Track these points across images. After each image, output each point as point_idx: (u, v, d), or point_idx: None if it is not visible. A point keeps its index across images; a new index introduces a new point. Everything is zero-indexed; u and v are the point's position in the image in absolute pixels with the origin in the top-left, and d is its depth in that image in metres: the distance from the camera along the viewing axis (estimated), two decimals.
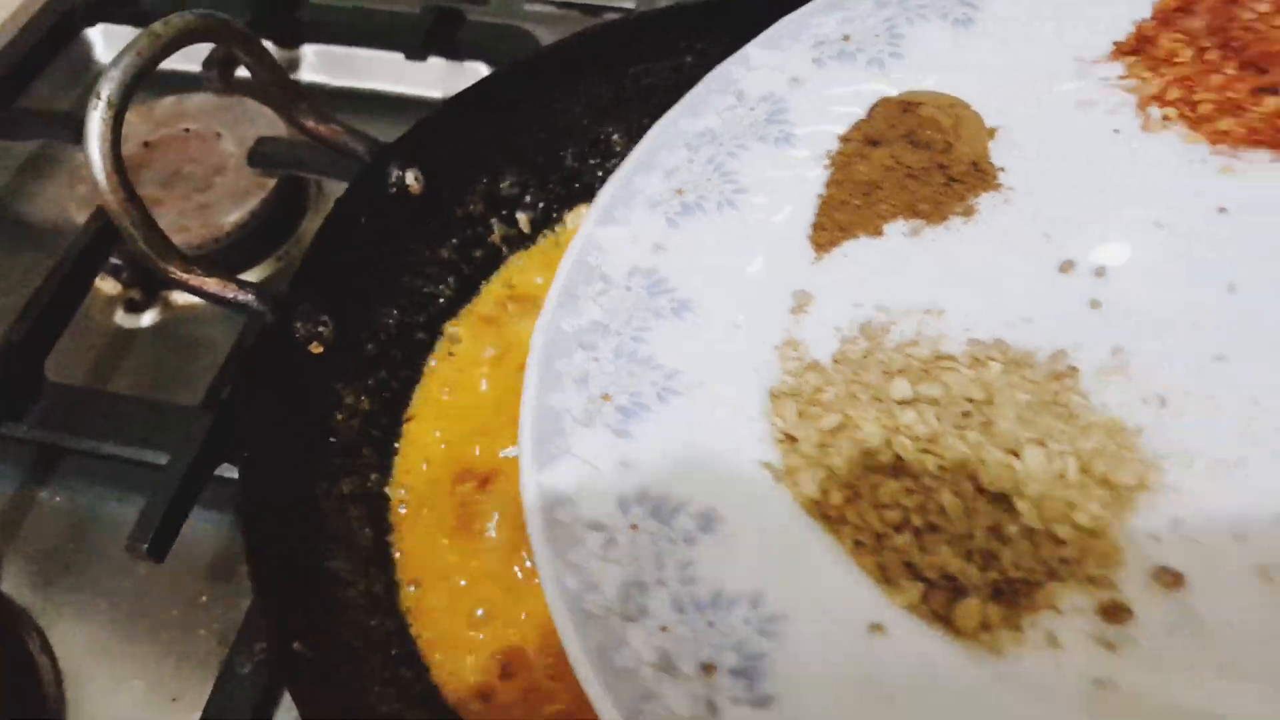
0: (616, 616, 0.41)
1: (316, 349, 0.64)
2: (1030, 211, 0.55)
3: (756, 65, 0.65)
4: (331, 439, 0.65)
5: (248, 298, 0.62)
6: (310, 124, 0.69)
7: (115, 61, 0.58)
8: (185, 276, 0.62)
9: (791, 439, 0.48)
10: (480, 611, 0.61)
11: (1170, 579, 0.40)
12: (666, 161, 0.61)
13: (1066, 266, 0.52)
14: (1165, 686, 0.38)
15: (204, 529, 0.74)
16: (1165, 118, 0.55)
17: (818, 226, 0.58)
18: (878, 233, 0.57)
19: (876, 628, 0.40)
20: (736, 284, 0.56)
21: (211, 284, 0.62)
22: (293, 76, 1.06)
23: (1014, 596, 0.40)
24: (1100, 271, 0.51)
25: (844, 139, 0.60)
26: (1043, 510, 0.42)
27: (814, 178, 0.59)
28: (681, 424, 0.49)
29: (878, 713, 0.38)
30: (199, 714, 0.67)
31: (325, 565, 0.59)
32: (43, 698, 0.71)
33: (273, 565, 0.55)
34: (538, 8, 1.08)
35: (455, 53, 1.02)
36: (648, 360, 0.52)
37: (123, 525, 0.77)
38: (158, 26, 0.58)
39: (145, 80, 0.59)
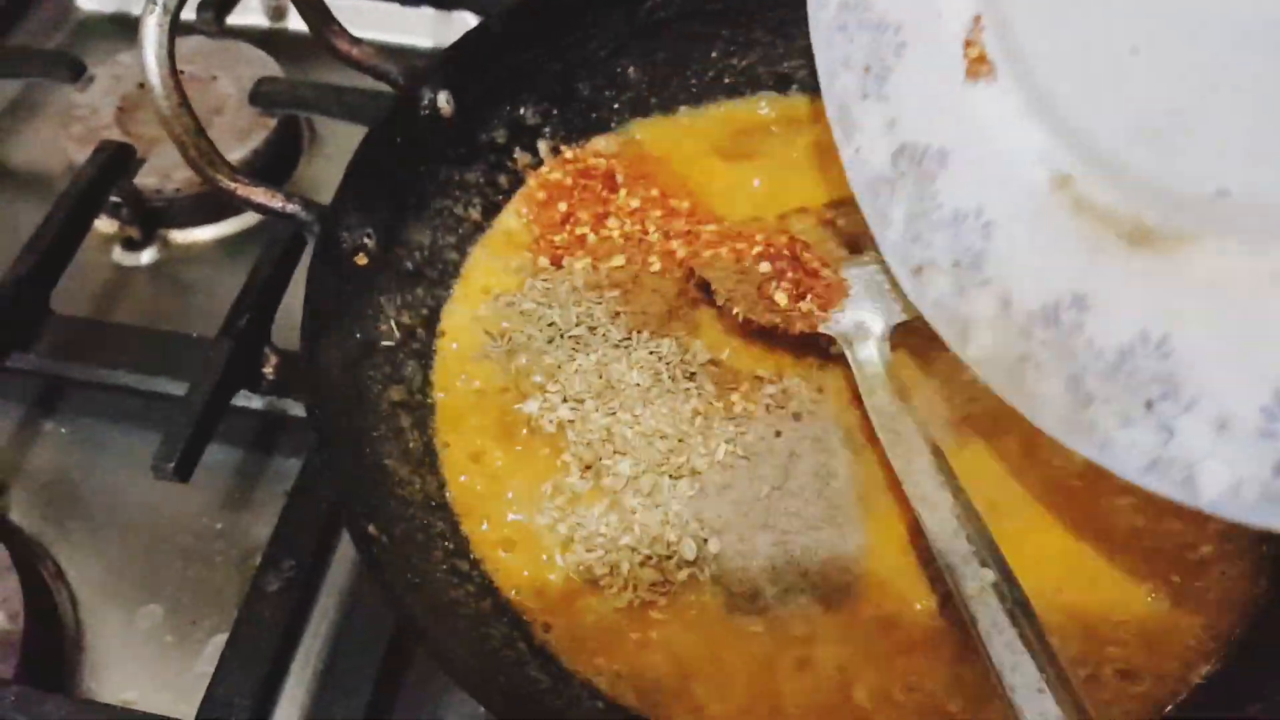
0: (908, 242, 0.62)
1: (361, 260, 0.66)
2: None
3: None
4: (378, 348, 0.66)
5: (294, 207, 0.63)
6: (344, 47, 0.70)
7: None
8: (233, 185, 0.62)
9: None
10: (524, 515, 0.63)
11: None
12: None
13: None
14: None
15: (215, 460, 0.75)
16: None
17: None
18: None
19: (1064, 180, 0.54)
20: None
21: (259, 193, 0.63)
22: (281, 26, 1.07)
23: None
24: None
25: None
26: None
27: None
28: (911, 78, 0.64)
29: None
30: (219, 636, 0.68)
31: (384, 464, 0.61)
32: (60, 623, 0.71)
33: (340, 455, 0.56)
34: None
35: (444, 2, 1.03)
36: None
37: (131, 456, 0.78)
38: None
39: None
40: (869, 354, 0.66)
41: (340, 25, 0.70)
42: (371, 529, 0.54)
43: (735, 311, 0.67)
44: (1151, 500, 0.49)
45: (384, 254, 0.67)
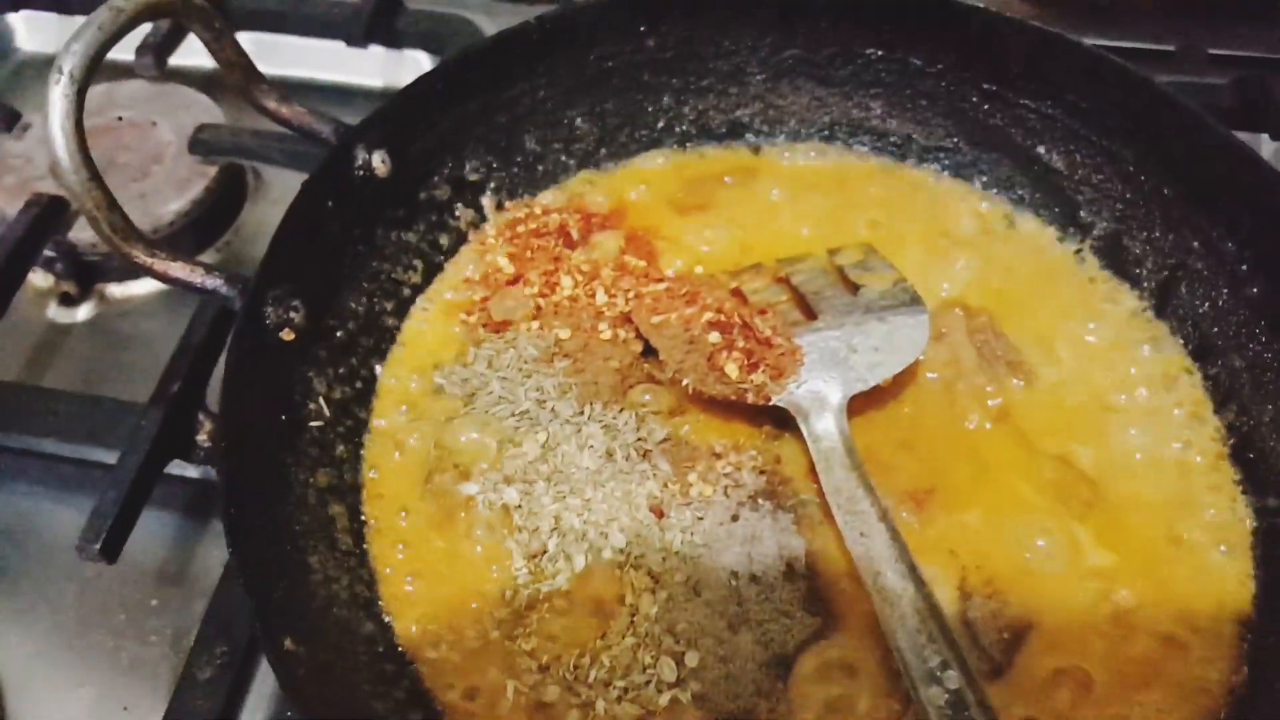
0: None
1: (288, 335, 0.62)
2: None
3: None
4: (306, 429, 0.63)
5: (216, 282, 0.60)
6: (272, 105, 0.66)
7: (77, 36, 0.55)
8: (149, 261, 0.59)
9: None
10: (475, 604, 0.60)
11: None
12: None
13: None
14: None
15: (150, 530, 0.71)
16: None
17: None
18: None
19: None
20: None
21: (177, 268, 0.59)
22: None
23: None
24: None
25: None
26: None
27: None
28: None
29: None
30: None
31: (307, 560, 0.57)
32: None
33: (259, 559, 0.53)
34: None
35: (395, 41, 1.00)
36: None
37: (61, 528, 0.74)
38: (120, 1, 0.56)
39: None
40: (825, 427, 0.63)
41: (269, 84, 0.67)
42: (288, 643, 0.51)
43: (685, 383, 0.64)
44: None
45: (314, 326, 0.64)
